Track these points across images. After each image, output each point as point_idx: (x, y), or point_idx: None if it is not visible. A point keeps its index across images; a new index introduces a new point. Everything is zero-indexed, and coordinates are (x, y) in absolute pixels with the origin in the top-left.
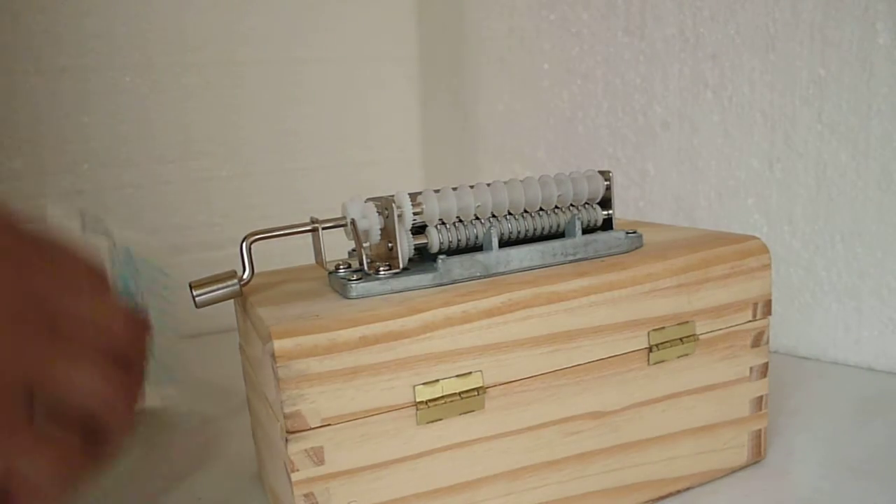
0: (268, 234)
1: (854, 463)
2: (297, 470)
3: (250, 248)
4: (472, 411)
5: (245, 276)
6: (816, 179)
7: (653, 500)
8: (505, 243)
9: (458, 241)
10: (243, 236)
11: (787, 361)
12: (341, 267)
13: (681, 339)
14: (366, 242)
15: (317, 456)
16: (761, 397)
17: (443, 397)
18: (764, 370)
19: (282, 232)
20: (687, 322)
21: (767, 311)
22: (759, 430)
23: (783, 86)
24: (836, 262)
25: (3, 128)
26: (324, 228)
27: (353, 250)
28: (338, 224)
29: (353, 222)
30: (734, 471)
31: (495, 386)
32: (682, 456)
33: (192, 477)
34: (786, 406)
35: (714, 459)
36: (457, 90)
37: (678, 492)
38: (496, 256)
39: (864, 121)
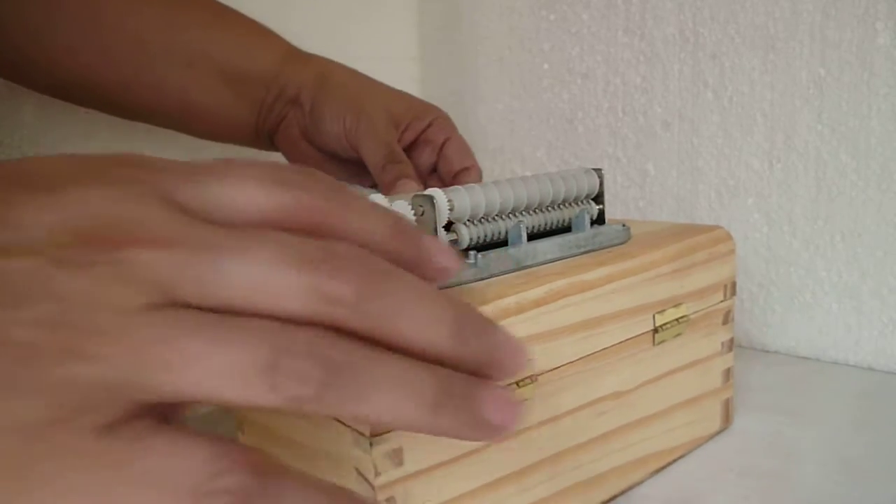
0: None
1: (854, 462)
2: (381, 474)
3: None
4: (525, 400)
5: None
6: (816, 179)
7: (656, 471)
8: (527, 238)
9: (485, 236)
10: None
11: (787, 361)
12: None
13: (677, 319)
14: None
15: (397, 457)
16: (729, 369)
17: None
18: (730, 344)
19: None
20: (681, 304)
21: (733, 291)
22: (728, 399)
23: (783, 86)
24: (836, 262)
25: (2, 127)
26: None
27: None
28: None
29: None
30: (711, 437)
31: (543, 373)
32: (676, 427)
33: None
34: (786, 406)
35: (698, 428)
36: (457, 90)
37: (673, 461)
38: (525, 250)
39: (864, 121)
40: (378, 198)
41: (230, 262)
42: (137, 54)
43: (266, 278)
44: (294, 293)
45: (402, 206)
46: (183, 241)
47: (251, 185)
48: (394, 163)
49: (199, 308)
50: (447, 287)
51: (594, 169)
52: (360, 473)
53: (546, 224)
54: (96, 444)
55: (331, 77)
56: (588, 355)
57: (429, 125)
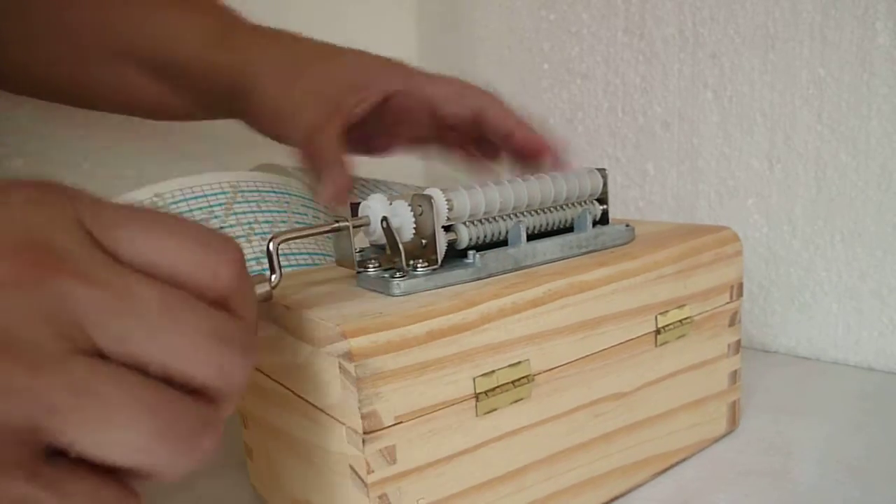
0: (296, 234)
1: (854, 462)
2: (374, 471)
3: (278, 250)
4: (521, 399)
5: (274, 280)
6: (816, 179)
7: (658, 473)
8: (528, 238)
9: (485, 236)
10: (269, 237)
11: (787, 361)
12: (369, 265)
13: (680, 321)
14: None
15: (390, 455)
16: (736, 371)
17: (498, 387)
18: (737, 347)
19: (310, 232)
20: (684, 305)
21: (740, 293)
22: (735, 401)
23: (783, 86)
24: (836, 262)
25: (2, 127)
26: (354, 227)
27: (361, 249)
28: (366, 223)
29: (385, 219)
30: (717, 439)
31: (540, 373)
32: (680, 429)
33: (192, 478)
34: (786, 406)
35: (703, 430)
36: None
37: (677, 463)
38: (524, 250)
39: (864, 121)
40: (377, 198)
41: (158, 327)
42: (72, 50)
43: (187, 350)
44: (206, 369)
45: (401, 207)
46: (108, 284)
47: (171, 245)
48: (328, 173)
49: (113, 357)
50: (445, 287)
51: (598, 168)
52: (353, 471)
53: (548, 224)
54: (21, 484)
55: (257, 77)
56: (587, 356)
57: (392, 95)
